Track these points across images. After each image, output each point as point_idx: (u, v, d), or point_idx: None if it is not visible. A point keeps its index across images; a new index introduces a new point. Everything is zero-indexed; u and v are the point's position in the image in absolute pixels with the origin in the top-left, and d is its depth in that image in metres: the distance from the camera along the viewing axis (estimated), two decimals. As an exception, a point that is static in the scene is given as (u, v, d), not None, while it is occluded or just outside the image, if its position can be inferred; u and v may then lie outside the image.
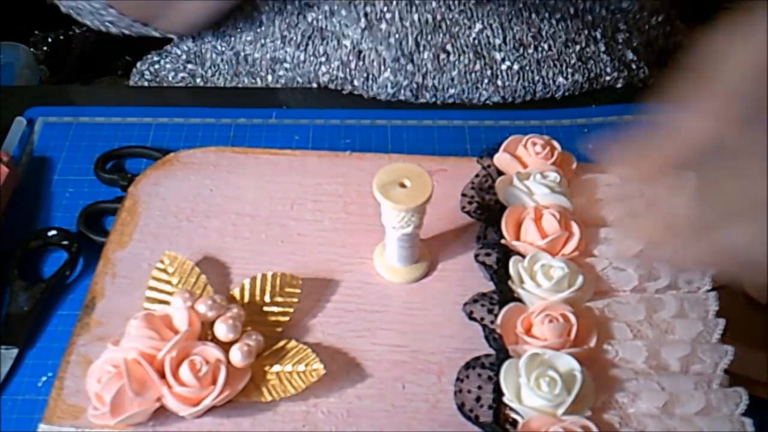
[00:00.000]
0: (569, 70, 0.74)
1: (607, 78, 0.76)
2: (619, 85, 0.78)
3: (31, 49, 1.32)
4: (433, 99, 0.74)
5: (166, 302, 0.49)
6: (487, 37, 0.71)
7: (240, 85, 0.80)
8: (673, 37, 0.85)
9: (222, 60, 0.80)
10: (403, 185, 0.49)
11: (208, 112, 0.72)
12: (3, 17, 1.25)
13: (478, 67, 0.72)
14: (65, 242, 0.60)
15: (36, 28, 1.34)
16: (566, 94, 0.75)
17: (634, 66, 0.78)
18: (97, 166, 0.66)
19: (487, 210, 0.53)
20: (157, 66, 0.85)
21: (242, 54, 0.78)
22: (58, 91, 0.78)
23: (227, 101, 0.75)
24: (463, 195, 0.55)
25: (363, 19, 0.72)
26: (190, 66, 0.83)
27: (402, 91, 0.73)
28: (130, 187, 0.58)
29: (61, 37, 1.35)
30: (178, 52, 0.85)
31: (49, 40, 1.34)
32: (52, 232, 0.61)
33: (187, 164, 0.59)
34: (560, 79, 0.74)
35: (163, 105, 0.73)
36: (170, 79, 0.83)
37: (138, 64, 0.87)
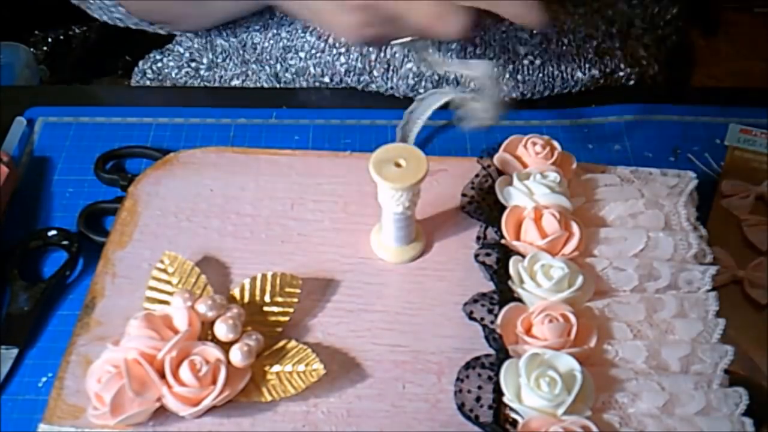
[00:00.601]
0: (587, 65, 0.74)
1: (621, 74, 0.76)
2: (631, 82, 0.78)
3: (31, 49, 1.32)
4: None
5: (166, 302, 0.49)
6: (515, 30, 0.71)
7: (249, 72, 0.79)
8: (684, 35, 0.85)
9: (230, 48, 0.80)
10: (398, 165, 0.50)
11: (208, 112, 0.72)
12: (3, 17, 1.25)
13: (501, 61, 0.72)
14: (65, 242, 0.60)
15: (36, 28, 1.34)
16: (582, 89, 0.75)
17: (644, 62, 0.78)
18: (97, 166, 0.66)
19: (487, 210, 0.53)
20: (159, 64, 0.85)
21: (250, 43, 0.77)
22: (58, 91, 0.78)
23: (227, 101, 0.74)
24: (463, 195, 0.55)
25: None
26: (194, 63, 0.83)
27: (423, 83, 0.72)
28: (130, 187, 0.58)
29: (61, 37, 1.35)
30: (181, 50, 0.85)
31: (49, 40, 1.34)
32: (52, 232, 0.61)
33: (187, 164, 0.59)
34: (578, 74, 0.74)
35: (164, 105, 0.73)
36: (173, 75, 0.83)
37: (140, 63, 0.87)
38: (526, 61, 0.72)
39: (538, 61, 0.72)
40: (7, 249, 0.60)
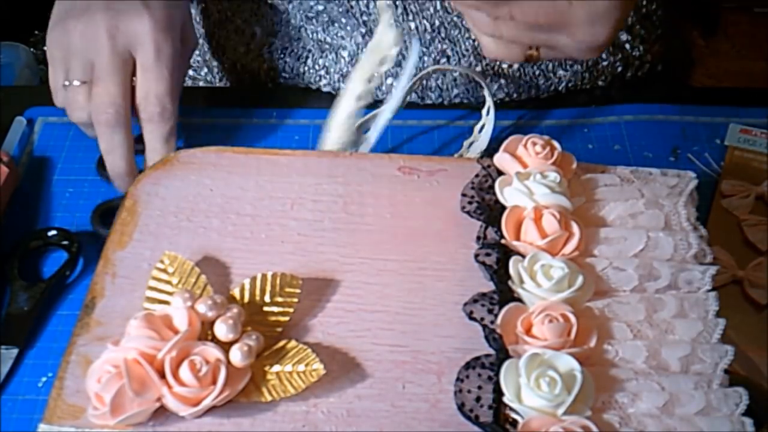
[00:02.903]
0: (567, 61, 0.73)
1: (605, 63, 0.76)
2: (618, 70, 0.78)
3: (31, 49, 1.32)
4: (440, 100, 0.74)
5: (166, 302, 0.49)
6: None
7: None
8: (667, 12, 0.85)
9: (223, 68, 0.81)
10: None
11: (208, 112, 0.72)
12: (3, 17, 1.25)
13: (479, 68, 0.72)
14: (65, 242, 0.60)
15: (36, 28, 1.34)
16: (569, 86, 0.75)
17: (627, 46, 0.78)
18: (99, 165, 0.66)
19: (487, 210, 0.53)
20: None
21: (238, 64, 0.78)
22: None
23: (227, 101, 0.75)
24: (463, 195, 0.55)
25: (362, 27, 0.71)
26: (191, 72, 0.83)
27: (407, 96, 0.73)
28: (130, 187, 0.58)
29: (61, 37, 1.35)
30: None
31: (49, 40, 1.34)
32: (52, 232, 0.61)
33: (187, 164, 0.59)
34: (560, 72, 0.74)
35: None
36: None
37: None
38: (504, 65, 0.72)
39: (516, 65, 0.72)
40: (7, 249, 0.60)
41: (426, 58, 0.72)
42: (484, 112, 0.67)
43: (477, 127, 0.68)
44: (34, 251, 0.61)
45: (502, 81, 0.73)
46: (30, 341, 0.55)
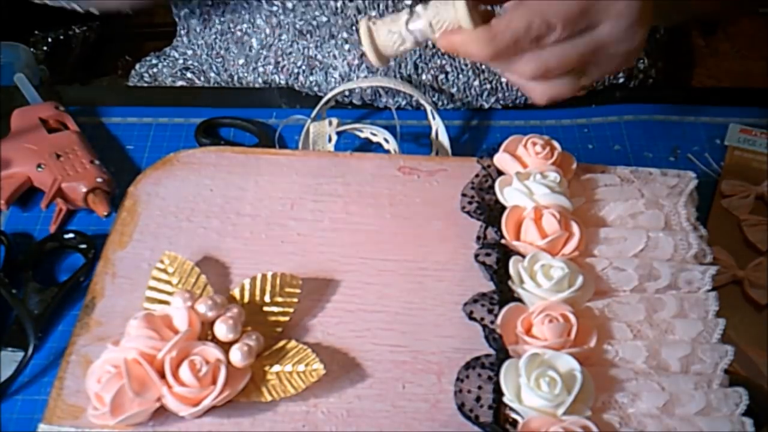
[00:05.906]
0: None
1: None
2: (621, 80, 0.78)
3: (31, 49, 1.32)
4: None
5: (166, 302, 0.49)
6: None
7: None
8: (680, 30, 0.84)
9: (219, 80, 0.81)
10: None
11: (208, 112, 0.72)
12: (3, 17, 1.25)
13: (477, 82, 0.72)
14: (83, 246, 0.59)
15: (36, 28, 1.34)
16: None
17: None
18: (197, 132, 0.70)
19: (487, 210, 0.53)
20: (155, 69, 0.85)
21: (236, 76, 0.78)
22: (58, 91, 0.78)
23: (227, 101, 0.75)
24: (463, 195, 0.55)
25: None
26: (188, 74, 0.83)
27: (403, 107, 0.73)
28: (130, 187, 0.58)
29: (61, 37, 1.35)
30: (176, 55, 0.85)
31: (49, 40, 1.34)
32: (69, 235, 0.60)
33: (187, 164, 0.59)
34: None
35: (163, 105, 0.73)
36: (168, 83, 0.83)
37: (137, 66, 0.87)
38: (503, 79, 0.72)
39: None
40: (21, 249, 0.60)
41: (424, 76, 0.72)
42: (429, 117, 0.67)
43: (432, 135, 0.68)
44: (50, 253, 0.60)
45: (500, 94, 0.73)
46: (37, 345, 0.55)
